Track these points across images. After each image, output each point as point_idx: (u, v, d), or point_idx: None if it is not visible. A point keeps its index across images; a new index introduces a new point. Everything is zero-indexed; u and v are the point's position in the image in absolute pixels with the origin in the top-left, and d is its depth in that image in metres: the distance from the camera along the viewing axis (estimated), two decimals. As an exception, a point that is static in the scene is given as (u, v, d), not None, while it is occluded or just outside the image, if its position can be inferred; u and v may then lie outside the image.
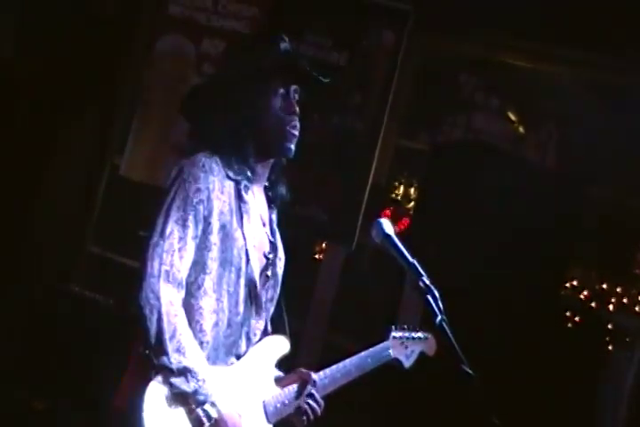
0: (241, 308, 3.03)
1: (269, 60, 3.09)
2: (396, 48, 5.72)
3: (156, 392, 2.81)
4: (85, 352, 5.62)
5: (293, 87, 3.13)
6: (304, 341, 5.46)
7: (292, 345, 3.19)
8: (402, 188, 6.13)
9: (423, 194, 5.52)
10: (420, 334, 3.51)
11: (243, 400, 3.00)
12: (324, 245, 6.23)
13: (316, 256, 6.29)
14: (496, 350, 4.54)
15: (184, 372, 2.79)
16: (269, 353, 3.16)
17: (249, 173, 3.07)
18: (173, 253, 2.87)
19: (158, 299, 2.81)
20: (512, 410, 4.45)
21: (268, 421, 3.06)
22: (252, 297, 3.07)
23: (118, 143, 6.50)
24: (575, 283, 5.68)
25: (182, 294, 2.90)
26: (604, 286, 5.68)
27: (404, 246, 2.79)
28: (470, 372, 2.53)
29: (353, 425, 5.04)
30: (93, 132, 6.48)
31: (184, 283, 2.90)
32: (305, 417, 3.12)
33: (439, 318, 2.62)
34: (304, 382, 3.13)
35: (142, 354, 2.86)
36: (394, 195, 6.13)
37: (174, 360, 2.79)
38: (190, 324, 2.88)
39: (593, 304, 5.66)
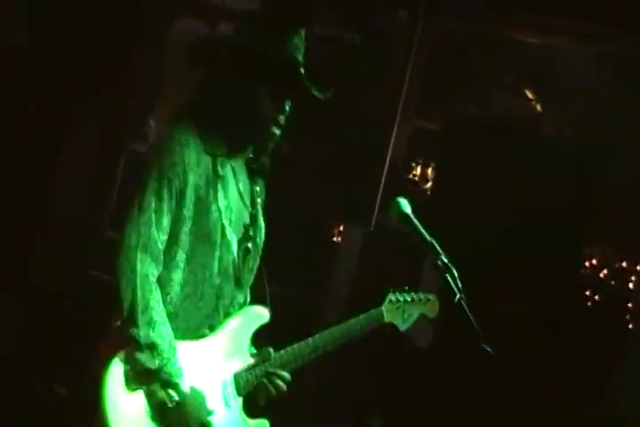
0: (216, 280, 3.04)
1: (270, 64, 3.00)
2: (411, 27, 5.70)
3: (117, 371, 2.83)
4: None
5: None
6: (322, 320, 5.46)
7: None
8: (419, 168, 6.11)
9: (440, 173, 5.50)
10: (421, 296, 3.47)
11: (210, 376, 3.00)
12: (341, 228, 6.22)
13: (335, 239, 6.28)
14: (515, 329, 4.53)
15: (151, 347, 2.82)
16: (246, 324, 3.16)
17: (226, 149, 3.07)
18: (151, 225, 2.89)
19: (134, 271, 2.85)
20: (531, 389, 4.47)
21: (239, 393, 3.07)
22: (232, 270, 3.08)
23: (135, 128, 6.51)
24: (594, 262, 5.65)
25: (160, 267, 2.92)
26: (624, 264, 5.65)
27: (422, 226, 2.78)
28: (490, 350, 2.53)
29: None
30: (109, 118, 6.48)
31: (161, 256, 2.92)
32: (265, 393, 3.11)
33: (457, 296, 2.63)
34: (263, 359, 3.12)
35: (116, 325, 2.89)
36: (411, 175, 6.11)
37: (143, 334, 2.81)
38: (160, 295, 2.90)
39: (612, 283, 5.64)
